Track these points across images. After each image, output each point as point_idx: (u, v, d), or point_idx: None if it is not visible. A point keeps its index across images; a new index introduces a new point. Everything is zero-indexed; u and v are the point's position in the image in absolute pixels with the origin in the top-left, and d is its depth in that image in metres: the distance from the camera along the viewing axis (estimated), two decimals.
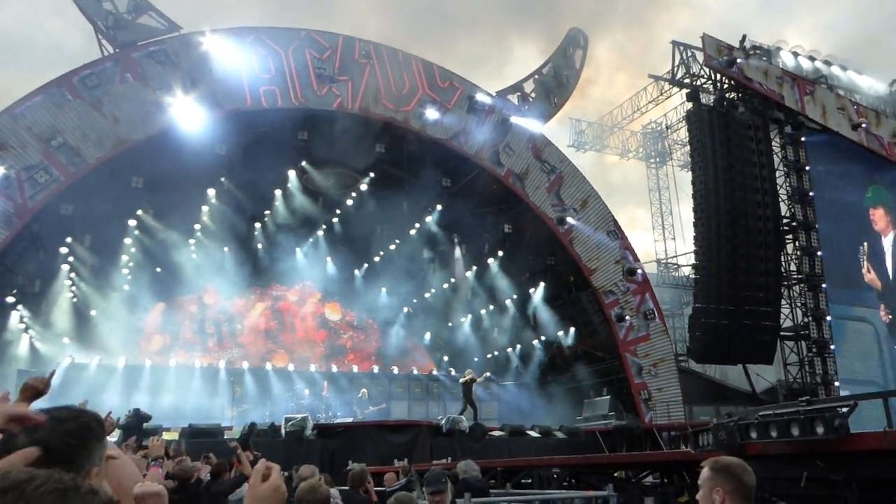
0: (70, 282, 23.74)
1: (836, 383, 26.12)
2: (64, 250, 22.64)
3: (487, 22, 56.72)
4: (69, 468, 1.61)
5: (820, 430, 6.96)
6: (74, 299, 24.23)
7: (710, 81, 29.03)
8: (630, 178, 46.06)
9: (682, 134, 33.45)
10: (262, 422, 18.46)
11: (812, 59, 31.00)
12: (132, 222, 23.72)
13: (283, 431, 17.65)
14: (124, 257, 24.58)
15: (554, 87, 27.53)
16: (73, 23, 25.87)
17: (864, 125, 28.96)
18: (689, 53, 29.06)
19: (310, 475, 6.68)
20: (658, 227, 37.37)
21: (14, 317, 22.12)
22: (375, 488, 9.13)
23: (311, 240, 28.08)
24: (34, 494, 1.15)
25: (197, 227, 25.48)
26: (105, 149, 20.19)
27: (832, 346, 26.80)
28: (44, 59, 46.08)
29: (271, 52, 22.83)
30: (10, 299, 21.48)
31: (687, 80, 29.17)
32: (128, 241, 24.13)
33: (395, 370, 29.33)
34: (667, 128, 36.02)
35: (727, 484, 2.84)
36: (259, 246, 27.57)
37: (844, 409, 7.09)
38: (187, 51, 21.68)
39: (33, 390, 2.33)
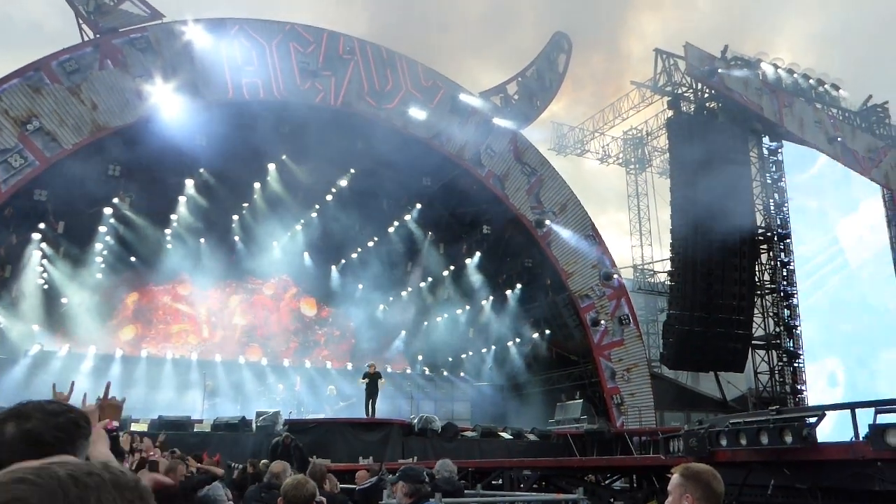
0: (41, 268, 23.37)
1: (805, 392, 26.52)
2: (36, 236, 22.29)
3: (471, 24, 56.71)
4: None
5: (788, 439, 7.05)
6: (45, 286, 23.84)
7: (691, 90, 29.30)
8: (609, 184, 46.32)
9: (663, 141, 33.71)
10: (233, 415, 18.38)
11: (791, 71, 31.42)
12: (108, 210, 23.41)
13: (253, 426, 17.56)
14: (98, 245, 24.26)
15: (537, 89, 27.65)
16: (52, 1, 25.43)
17: (839, 139, 29.39)
18: (672, 62, 29.30)
19: (281, 471, 6.63)
20: (636, 232, 37.63)
21: None
22: (346, 485, 9.10)
23: (288, 234, 27.90)
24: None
25: (174, 217, 25.21)
26: (82, 135, 19.92)
27: (802, 356, 27.20)
28: (21, 37, 45.31)
29: (255, 44, 22.66)
30: None
31: (668, 88, 29.42)
32: (102, 228, 23.81)
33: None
34: (647, 134, 36.27)
35: (697, 490, 2.86)
36: (236, 238, 27.35)
37: (813, 419, 7.20)
38: (169, 39, 21.44)
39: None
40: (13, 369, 21.92)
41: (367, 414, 20.10)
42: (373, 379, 20.57)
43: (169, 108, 20.83)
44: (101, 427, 2.59)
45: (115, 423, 3.40)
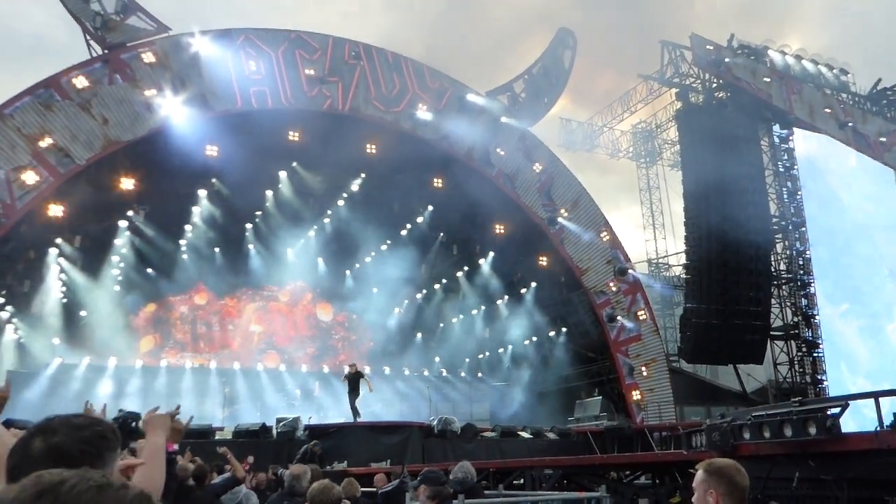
0: (60, 282, 23.60)
1: (826, 382, 26.31)
2: (54, 251, 22.51)
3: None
4: None
5: (812, 430, 7.00)
6: (64, 300, 24.08)
7: (698, 81, 29.16)
8: (620, 178, 46.20)
9: (672, 133, 33.57)
10: (254, 422, 18.46)
11: (799, 58, 31.20)
12: (123, 223, 23.60)
13: (274, 432, 17.63)
14: (115, 258, 24.45)
15: (544, 86, 27.58)
16: (56, 14, 25.65)
17: (850, 124, 29.14)
18: (678, 53, 29.18)
19: (301, 474, 6.65)
20: (649, 226, 37.48)
21: (2, 317, 21.97)
22: (366, 489, 9.12)
23: (302, 240, 28.01)
24: (69, 495, 1.16)
25: (188, 227, 25.38)
26: (95, 150, 20.07)
27: (821, 346, 26.98)
28: (27, 50, 45.78)
29: (261, 53, 22.76)
30: None
31: (676, 80, 29.28)
32: (118, 241, 24.02)
33: (387, 371, 29.31)
34: (656, 127, 36.13)
35: (721, 486, 2.86)
36: (250, 246, 27.48)
37: (836, 410, 7.14)
38: (177, 52, 21.57)
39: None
40: (35, 383, 22.15)
41: (353, 415, 19.86)
42: (353, 378, 20.31)
43: (179, 120, 20.96)
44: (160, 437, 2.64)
45: (175, 446, 3.41)
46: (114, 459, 1.84)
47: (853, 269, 27.51)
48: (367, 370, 23.66)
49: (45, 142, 19.23)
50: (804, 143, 29.36)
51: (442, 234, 28.56)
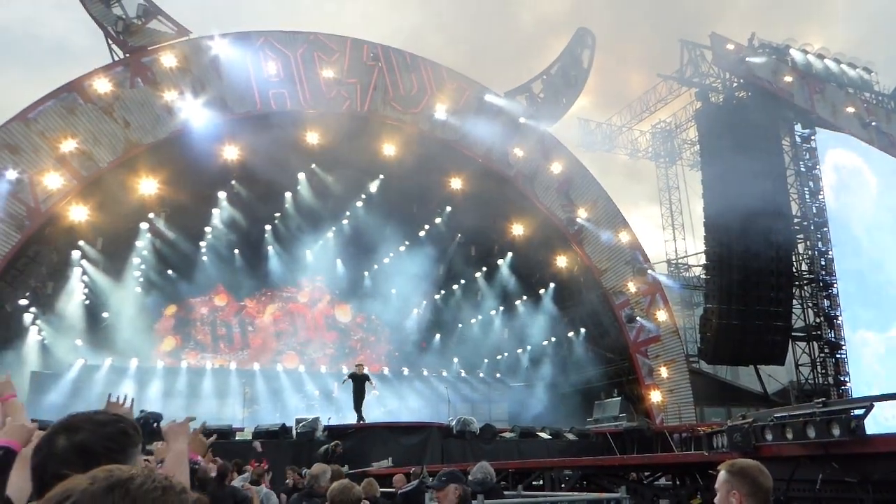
0: (83, 284, 23.88)
1: (849, 384, 25.98)
2: (76, 253, 22.78)
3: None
4: None
5: (836, 431, 6.92)
6: (87, 301, 24.37)
7: (718, 80, 28.94)
8: (640, 178, 45.95)
9: (692, 133, 33.34)
10: (273, 423, 18.57)
11: (821, 56, 30.86)
12: (144, 225, 23.85)
13: (294, 432, 17.73)
14: (136, 260, 24.71)
15: (562, 86, 27.47)
16: (78, 19, 25.96)
17: (874, 123, 28.78)
18: (698, 52, 28.98)
19: (320, 473, 6.70)
20: (668, 227, 37.26)
21: (27, 319, 22.27)
22: (385, 489, 9.15)
23: (320, 242, 28.15)
24: (139, 492, 1.20)
25: (208, 229, 25.59)
26: (117, 153, 20.29)
27: (844, 347, 26.64)
28: (50, 55, 46.39)
29: (280, 55, 22.89)
30: (23, 302, 21.65)
31: (696, 80, 29.08)
32: (139, 243, 24.27)
33: (406, 371, 29.35)
34: (676, 127, 35.92)
35: (744, 487, 2.85)
36: (269, 248, 27.67)
37: (860, 411, 7.06)
38: (197, 55, 21.75)
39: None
40: (59, 384, 22.45)
41: (358, 419, 19.77)
42: (359, 379, 20.21)
43: (199, 122, 21.12)
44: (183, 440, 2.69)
45: (199, 457, 3.55)
46: (136, 455, 1.86)
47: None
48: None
49: (69, 145, 19.45)
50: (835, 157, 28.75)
51: (460, 234, 28.55)
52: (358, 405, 20.16)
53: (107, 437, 1.78)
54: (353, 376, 20.43)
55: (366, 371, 20.81)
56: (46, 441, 1.77)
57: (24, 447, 2.35)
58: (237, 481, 9.22)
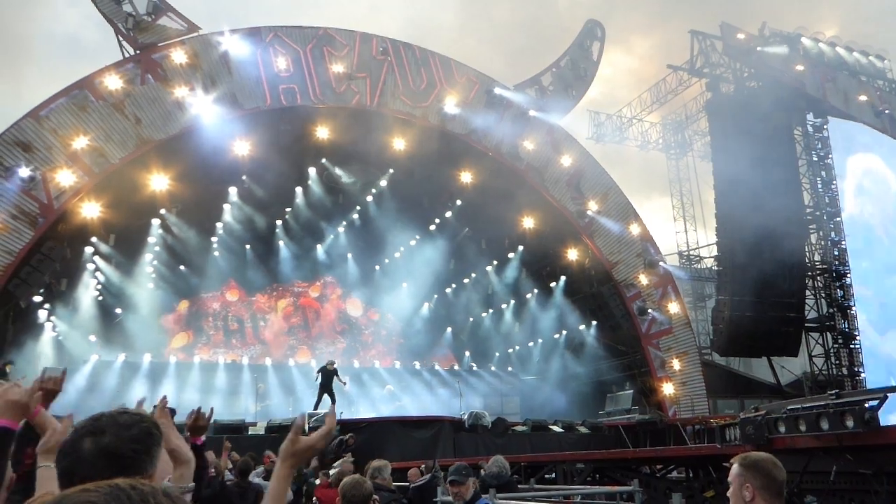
0: (95, 280, 24.04)
1: (863, 375, 25.81)
2: (89, 249, 22.93)
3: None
4: (136, 474, 1.66)
5: (850, 423, 6.88)
6: (100, 297, 24.53)
7: (729, 70, 28.72)
8: (650, 170, 45.75)
9: (703, 124, 33.13)
10: (286, 417, 18.65)
11: (833, 45, 30.56)
12: (156, 221, 23.97)
13: (306, 427, 17.78)
14: (148, 256, 24.84)
15: (572, 79, 27.35)
16: (88, 16, 26.06)
17: (887, 111, 28.47)
18: (708, 42, 28.76)
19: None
20: (679, 218, 37.09)
21: (41, 315, 22.45)
22: (399, 483, 9.19)
23: (331, 236, 28.20)
24: None
25: (219, 225, 25.70)
26: (128, 149, 20.41)
27: (858, 338, 26.46)
28: (60, 50, 46.62)
29: (290, 50, 22.91)
30: (37, 298, 21.78)
31: (706, 70, 28.88)
32: (152, 239, 24.40)
33: (417, 365, 29.40)
34: (687, 118, 35.71)
35: (757, 480, 2.84)
36: (280, 243, 27.76)
37: (874, 402, 7.01)
38: (207, 51, 21.81)
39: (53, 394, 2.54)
40: (73, 379, 22.58)
41: (315, 408, 19.70)
42: (327, 374, 20.19)
43: (209, 118, 21.19)
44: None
45: (203, 439, 3.68)
46: (158, 453, 1.88)
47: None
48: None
49: (80, 142, 19.57)
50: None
51: (470, 228, 28.53)
52: (318, 401, 20.13)
53: (133, 439, 1.80)
54: (322, 370, 20.46)
55: (336, 367, 20.77)
56: (72, 445, 1.78)
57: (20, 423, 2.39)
58: (252, 476, 9.27)
